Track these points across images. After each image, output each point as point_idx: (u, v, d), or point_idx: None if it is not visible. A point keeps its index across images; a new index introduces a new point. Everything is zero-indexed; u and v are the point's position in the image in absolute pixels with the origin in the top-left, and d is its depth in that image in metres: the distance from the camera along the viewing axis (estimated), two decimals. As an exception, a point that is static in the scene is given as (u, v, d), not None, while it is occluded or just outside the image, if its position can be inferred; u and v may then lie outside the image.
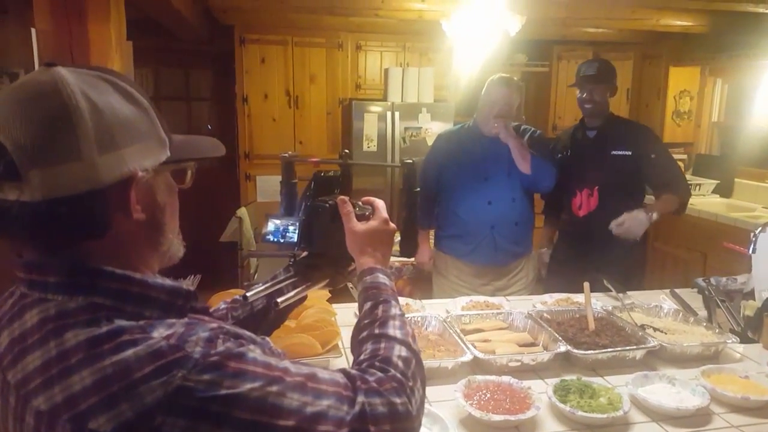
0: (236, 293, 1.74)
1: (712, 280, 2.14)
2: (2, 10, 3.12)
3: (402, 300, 2.05)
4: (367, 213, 1.03)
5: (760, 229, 1.96)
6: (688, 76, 4.61)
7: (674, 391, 1.44)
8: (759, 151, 4.21)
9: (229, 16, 4.02)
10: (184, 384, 0.58)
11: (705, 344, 1.65)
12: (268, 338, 0.72)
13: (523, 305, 2.00)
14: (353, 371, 0.74)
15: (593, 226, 2.52)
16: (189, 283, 1.82)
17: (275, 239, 0.97)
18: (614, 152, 2.55)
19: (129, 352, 0.59)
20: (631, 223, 2.35)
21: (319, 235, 1.05)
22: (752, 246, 1.93)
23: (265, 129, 4.26)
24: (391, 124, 4.29)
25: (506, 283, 2.58)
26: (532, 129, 2.65)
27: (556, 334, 1.63)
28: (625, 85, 4.80)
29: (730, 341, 1.68)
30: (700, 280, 2.15)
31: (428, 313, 1.83)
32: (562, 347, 1.56)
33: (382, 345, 0.81)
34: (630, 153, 2.53)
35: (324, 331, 1.53)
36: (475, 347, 1.56)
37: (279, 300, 1.00)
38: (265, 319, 1.09)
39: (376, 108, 4.28)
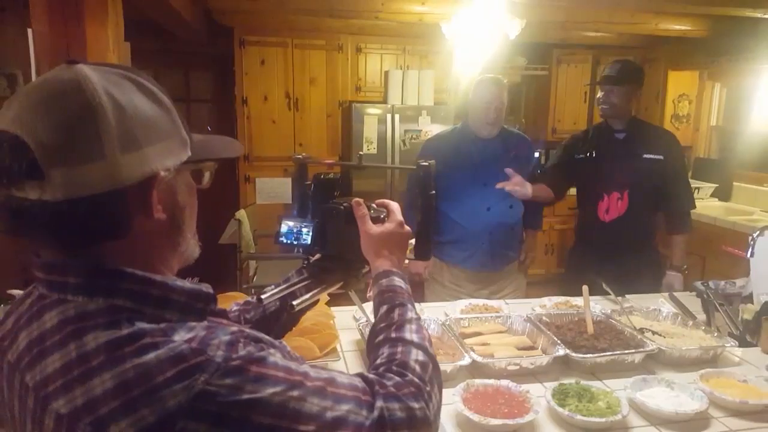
0: (235, 296, 1.74)
1: (711, 284, 2.14)
2: None
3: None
4: (382, 216, 1.03)
5: (758, 232, 1.96)
6: (687, 80, 4.63)
7: (673, 395, 1.44)
8: (757, 155, 4.23)
9: (229, 18, 4.03)
10: (206, 388, 0.57)
11: (704, 348, 1.65)
12: (284, 342, 0.71)
13: (522, 308, 1.99)
14: (371, 375, 0.73)
15: (621, 231, 2.45)
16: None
17: (288, 241, 0.96)
18: (646, 155, 2.45)
19: (151, 356, 0.58)
20: (674, 283, 2.46)
21: (333, 237, 1.04)
22: (750, 250, 1.93)
23: (265, 131, 4.27)
24: (391, 127, 4.30)
25: (499, 286, 2.57)
26: (518, 132, 2.64)
27: (555, 338, 1.63)
28: (625, 88, 4.81)
29: (728, 345, 1.67)
30: (698, 284, 2.15)
31: (427, 317, 1.82)
32: (561, 351, 1.56)
33: (399, 349, 0.80)
34: (662, 158, 2.45)
35: (322, 335, 1.53)
36: (473, 351, 1.56)
37: (294, 303, 0.99)
38: (277, 321, 1.08)
39: (375, 110, 4.28)
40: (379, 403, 0.68)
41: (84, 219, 0.61)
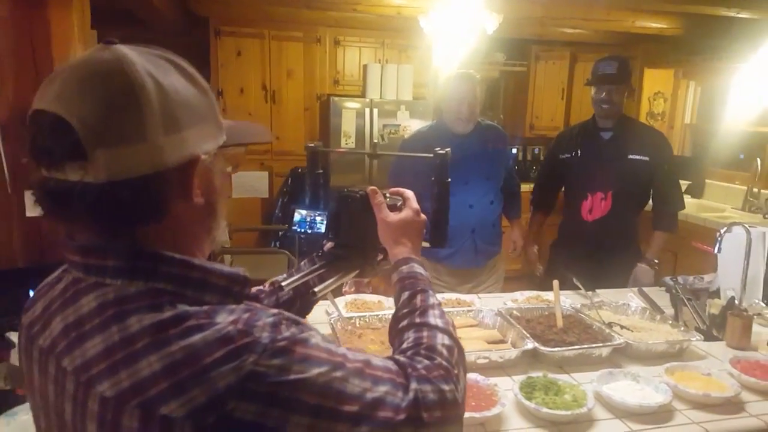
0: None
1: (680, 279, 2.17)
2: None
3: (374, 297, 2.04)
4: (398, 203, 1.04)
5: (725, 228, 1.99)
6: (662, 78, 4.69)
7: (638, 388, 1.45)
8: (729, 153, 4.30)
9: (204, 7, 3.97)
10: (255, 369, 0.57)
11: (670, 342, 1.67)
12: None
13: (494, 303, 2.00)
14: (402, 359, 0.74)
15: (603, 231, 2.44)
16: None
17: (302, 229, 0.97)
18: (632, 156, 2.43)
19: (197, 337, 0.58)
20: (642, 277, 2.46)
21: (349, 225, 1.04)
22: (718, 245, 1.96)
23: (241, 123, 4.21)
24: (369, 121, 4.27)
25: (480, 280, 2.58)
26: (494, 125, 2.64)
27: (525, 332, 1.64)
28: (601, 85, 4.86)
29: (694, 339, 1.70)
30: (667, 279, 2.17)
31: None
32: (530, 344, 1.57)
33: (425, 333, 0.81)
34: (648, 159, 2.43)
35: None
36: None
37: (315, 289, 0.98)
38: (291, 309, 1.07)
39: (354, 104, 4.26)
40: (413, 385, 0.68)
41: (126, 201, 0.61)
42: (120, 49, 0.62)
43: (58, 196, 0.60)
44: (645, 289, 2.18)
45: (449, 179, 1.13)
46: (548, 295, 2.06)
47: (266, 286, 1.07)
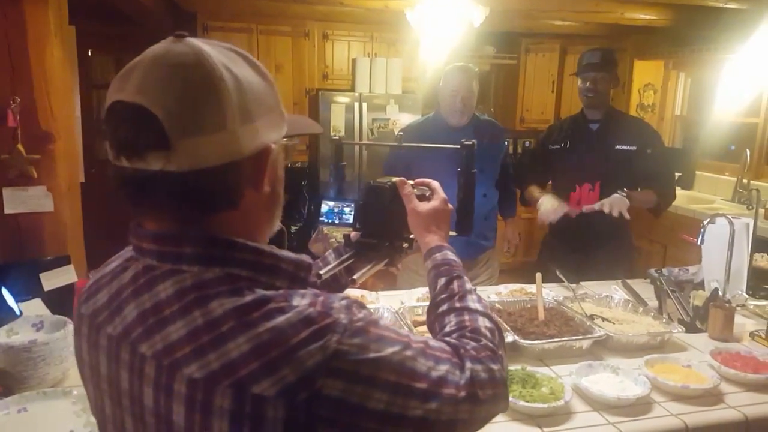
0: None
1: (664, 271, 2.17)
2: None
3: (357, 292, 2.03)
4: (427, 194, 1.07)
5: (708, 220, 1.99)
6: (652, 70, 4.68)
7: (617, 380, 1.45)
8: (719, 145, 4.30)
9: (191, 3, 3.94)
10: (340, 348, 0.60)
11: (651, 334, 1.67)
12: None
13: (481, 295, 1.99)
14: (452, 340, 0.77)
15: (592, 221, 2.43)
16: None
17: (330, 220, 0.99)
18: (618, 147, 2.45)
19: (281, 319, 0.60)
20: (612, 201, 2.33)
21: (378, 216, 1.07)
22: (701, 237, 1.95)
23: (230, 119, 4.19)
24: (358, 115, 4.26)
25: (473, 274, 2.57)
26: (490, 119, 2.63)
27: (505, 324, 1.63)
28: (592, 78, 4.85)
29: (675, 331, 1.70)
30: (652, 271, 2.17)
31: (381, 305, 1.81)
32: (510, 337, 1.56)
33: (466, 317, 0.84)
34: (635, 149, 2.45)
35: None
36: (423, 338, 1.55)
37: (355, 276, 1.02)
38: None
39: (343, 99, 4.24)
40: (468, 365, 0.71)
41: (205, 190, 0.63)
42: (194, 42, 0.64)
43: (138, 184, 0.62)
44: (629, 281, 2.17)
45: (475, 170, 1.18)
46: (532, 288, 2.05)
47: None
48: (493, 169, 2.53)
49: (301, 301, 0.62)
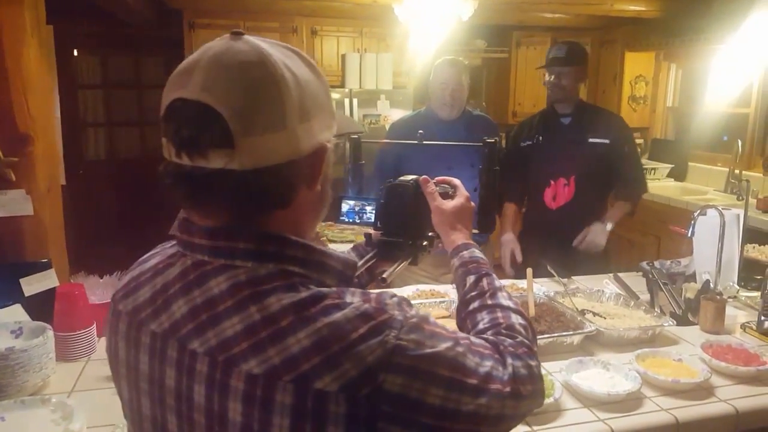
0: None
1: (656, 264, 2.15)
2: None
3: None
4: (450, 192, 1.08)
5: (698, 211, 1.97)
6: (643, 62, 4.66)
7: (608, 376, 1.43)
8: (711, 135, 4.29)
9: (177, 0, 3.89)
10: (399, 343, 0.60)
11: (642, 328, 1.65)
12: None
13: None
14: (489, 337, 0.77)
15: (568, 217, 2.44)
16: (117, 279, 1.74)
17: (350, 219, 0.99)
18: (592, 140, 2.46)
19: (338, 315, 0.60)
20: (593, 236, 2.41)
21: (401, 214, 1.07)
22: (691, 229, 1.94)
23: (219, 117, 4.15)
24: (349, 111, 4.22)
25: None
26: (482, 114, 2.61)
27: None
28: (583, 70, 4.83)
29: (666, 324, 1.68)
30: (644, 264, 2.15)
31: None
32: (499, 335, 1.54)
33: (499, 314, 0.84)
34: (608, 142, 2.46)
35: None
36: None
37: (385, 275, 1.01)
38: None
39: (333, 94, 4.13)
40: (509, 360, 0.72)
41: (264, 188, 0.63)
42: (253, 39, 0.65)
43: (197, 182, 0.62)
44: (621, 274, 2.16)
45: (497, 167, 1.17)
46: (523, 284, 2.03)
47: None
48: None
49: (354, 298, 0.63)
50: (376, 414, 0.59)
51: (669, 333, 1.72)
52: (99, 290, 1.65)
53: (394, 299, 0.65)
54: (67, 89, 4.37)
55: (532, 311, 1.72)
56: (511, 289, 2.01)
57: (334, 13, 4.20)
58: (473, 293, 0.90)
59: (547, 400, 1.27)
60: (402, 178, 1.08)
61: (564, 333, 1.58)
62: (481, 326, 0.83)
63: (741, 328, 1.77)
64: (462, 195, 1.07)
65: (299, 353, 0.58)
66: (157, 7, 3.91)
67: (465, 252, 0.99)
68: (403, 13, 3.30)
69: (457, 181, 1.10)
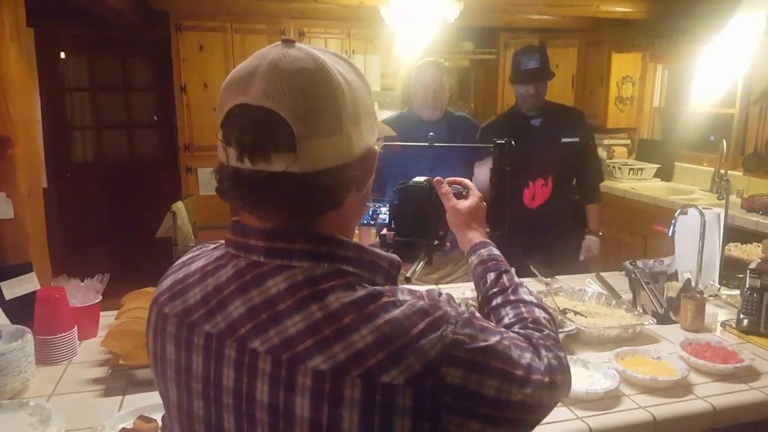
0: (150, 290, 1.67)
1: (639, 263, 2.17)
2: None
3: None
4: (464, 192, 1.11)
5: (679, 211, 1.99)
6: (630, 63, 4.69)
7: (587, 374, 1.44)
8: (697, 135, 4.32)
9: (163, 2, 3.87)
10: (456, 337, 0.63)
11: (623, 327, 1.66)
12: None
13: (453, 293, 1.98)
14: (520, 331, 0.79)
15: (548, 215, 2.51)
16: (99, 282, 1.71)
17: (365, 221, 1.01)
18: (564, 139, 2.52)
19: (396, 311, 0.62)
20: (594, 247, 2.62)
21: (416, 214, 1.09)
22: (672, 228, 1.95)
23: (206, 119, 4.12)
24: (337, 113, 4.22)
25: (451, 270, 2.57)
26: (464, 115, 2.62)
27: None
28: (571, 72, 4.85)
29: (646, 323, 1.70)
30: (627, 263, 2.17)
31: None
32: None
33: (523, 309, 0.86)
34: (578, 140, 2.55)
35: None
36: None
37: (408, 275, 1.03)
38: None
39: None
40: (543, 352, 0.74)
41: (321, 190, 0.65)
42: (306, 47, 0.67)
43: (259, 184, 0.64)
44: (603, 274, 2.17)
45: (509, 168, 1.21)
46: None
47: None
48: (466, 169, 2.52)
49: (406, 296, 0.65)
50: (439, 406, 0.61)
51: (650, 331, 1.74)
52: (80, 293, 1.64)
53: (443, 296, 0.68)
54: (54, 92, 4.35)
55: (514, 311, 1.73)
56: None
57: (321, 15, 4.21)
58: (495, 289, 0.92)
59: (526, 399, 1.28)
60: (415, 179, 1.11)
61: (545, 332, 1.59)
62: (506, 321, 0.86)
63: (721, 326, 1.79)
64: (475, 195, 1.10)
65: (365, 349, 0.60)
66: (144, 9, 3.90)
67: (483, 250, 1.01)
68: (389, 15, 3.30)
69: (468, 182, 1.13)
